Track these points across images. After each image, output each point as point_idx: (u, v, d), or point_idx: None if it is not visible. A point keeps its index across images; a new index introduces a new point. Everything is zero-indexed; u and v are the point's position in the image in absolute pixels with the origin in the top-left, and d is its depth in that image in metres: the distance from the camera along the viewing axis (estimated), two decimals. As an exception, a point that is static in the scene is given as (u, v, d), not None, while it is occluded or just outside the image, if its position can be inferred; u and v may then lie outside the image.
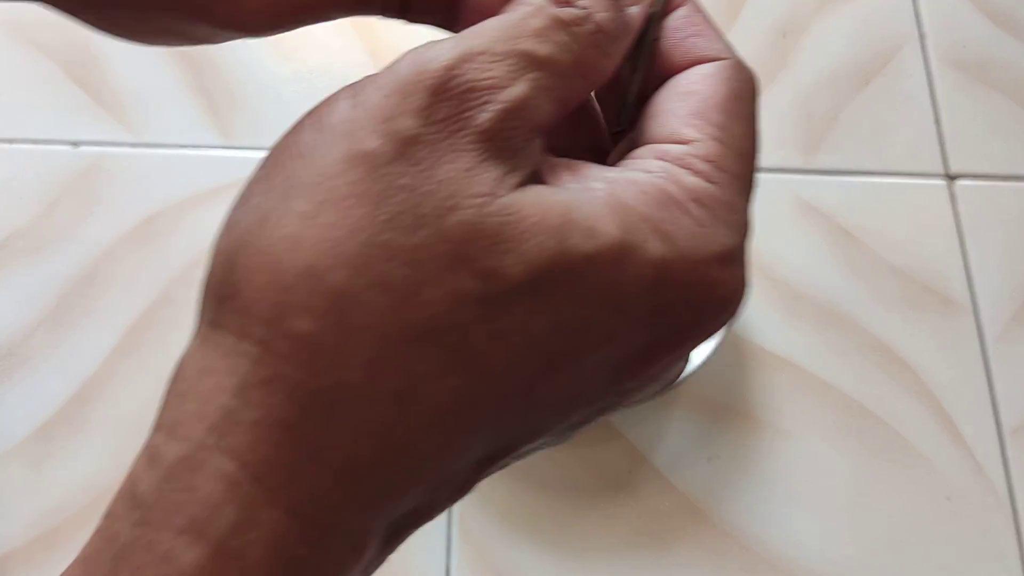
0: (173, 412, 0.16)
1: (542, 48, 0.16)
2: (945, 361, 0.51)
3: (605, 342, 0.16)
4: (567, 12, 0.17)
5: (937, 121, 0.59)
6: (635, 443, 0.48)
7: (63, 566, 0.47)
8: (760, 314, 0.52)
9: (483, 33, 0.16)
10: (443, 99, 0.15)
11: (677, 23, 0.19)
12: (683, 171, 0.17)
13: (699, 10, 0.19)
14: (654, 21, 0.19)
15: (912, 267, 0.54)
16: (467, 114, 0.15)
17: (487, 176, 0.15)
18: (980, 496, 0.48)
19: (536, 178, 0.16)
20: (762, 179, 0.56)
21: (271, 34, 0.22)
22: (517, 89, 0.16)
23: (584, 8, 0.17)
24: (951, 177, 0.57)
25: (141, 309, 0.50)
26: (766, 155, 0.57)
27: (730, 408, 0.49)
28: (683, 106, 0.18)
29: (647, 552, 0.45)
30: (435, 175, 0.15)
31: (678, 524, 0.46)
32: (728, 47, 0.19)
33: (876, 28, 0.62)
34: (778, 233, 0.54)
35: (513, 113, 0.16)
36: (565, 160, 0.17)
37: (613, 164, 0.18)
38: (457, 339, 0.15)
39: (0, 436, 0.46)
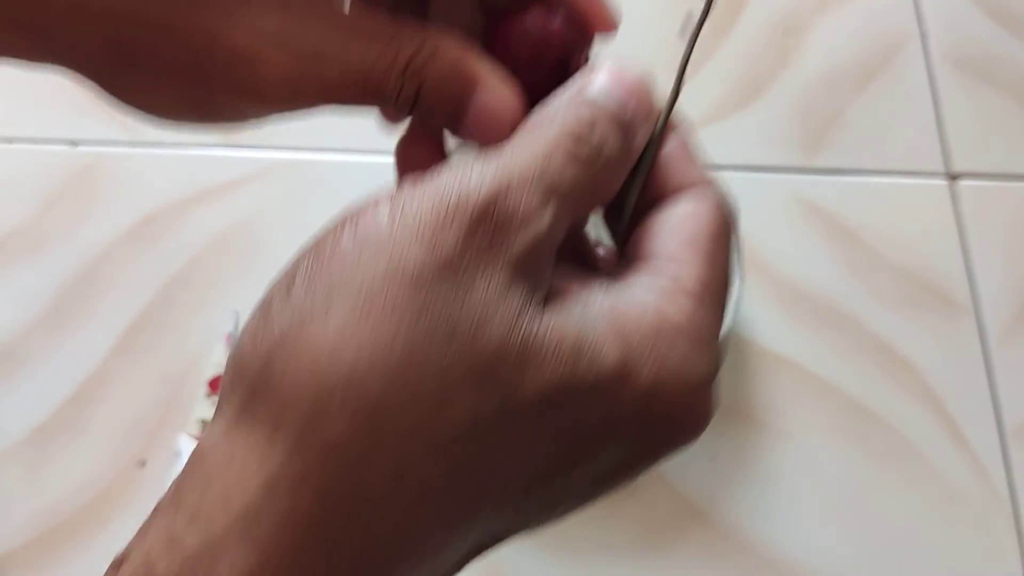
0: (194, 496, 0.16)
1: (565, 181, 0.18)
2: (946, 361, 0.51)
3: (593, 458, 0.18)
4: (583, 150, 0.19)
5: (939, 120, 0.59)
6: (635, 444, 0.48)
7: (61, 567, 0.47)
8: (761, 314, 0.52)
9: (516, 163, 0.18)
10: (482, 226, 0.17)
11: (672, 147, 0.22)
12: (675, 296, 0.19)
13: (691, 139, 0.22)
14: (653, 144, 0.22)
15: (913, 267, 0.54)
16: (502, 241, 0.17)
17: (515, 300, 0.17)
18: (981, 497, 0.47)
19: (551, 291, 0.18)
20: (763, 178, 0.56)
21: (289, 110, 0.22)
22: (545, 220, 0.18)
23: (598, 144, 0.19)
24: (953, 177, 0.57)
25: (139, 309, 0.50)
26: (767, 154, 0.57)
27: (730, 408, 0.49)
28: (678, 231, 0.20)
29: (648, 552, 0.45)
30: (470, 296, 0.16)
31: (678, 524, 0.46)
32: (714, 179, 0.21)
33: (878, 27, 0.62)
34: (779, 233, 0.54)
35: (540, 241, 0.18)
36: (574, 271, 0.20)
37: (613, 270, 0.20)
38: (474, 450, 0.16)
39: (-2, 436, 0.46)
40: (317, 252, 0.18)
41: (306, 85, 0.21)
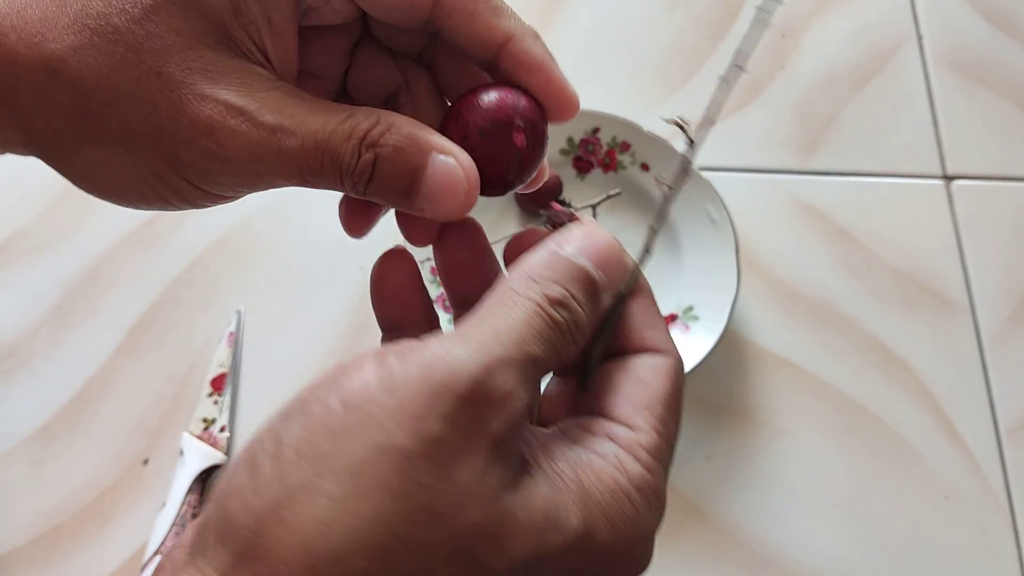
0: None
1: (541, 351, 0.20)
2: (942, 360, 0.51)
3: None
4: (561, 318, 0.20)
5: (935, 122, 0.59)
6: (634, 442, 0.48)
7: (65, 564, 0.47)
8: (758, 314, 0.52)
9: (498, 341, 0.19)
10: (467, 407, 0.18)
11: (636, 309, 0.23)
12: (630, 458, 0.21)
13: (653, 301, 0.24)
14: (619, 305, 0.23)
15: (910, 267, 0.54)
16: (483, 425, 0.18)
17: (491, 481, 0.18)
18: (977, 494, 0.48)
19: (521, 459, 0.20)
20: (760, 179, 0.57)
21: (250, 182, 0.23)
22: (522, 398, 0.19)
23: (574, 313, 0.21)
24: (948, 178, 0.57)
25: (143, 309, 0.50)
26: (764, 155, 0.57)
27: (728, 407, 0.49)
28: (635, 393, 0.22)
29: (646, 550, 0.45)
30: (452, 476, 0.17)
31: (677, 522, 0.46)
32: (671, 341, 0.23)
33: (874, 29, 0.62)
34: (776, 233, 0.55)
35: (516, 419, 0.19)
36: (539, 437, 0.21)
37: (575, 419, 0.22)
38: None
39: (2, 436, 0.46)
40: (306, 413, 0.18)
41: (266, 153, 0.22)
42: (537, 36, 0.25)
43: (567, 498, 0.19)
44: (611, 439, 0.21)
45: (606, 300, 0.22)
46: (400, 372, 0.18)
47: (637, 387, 0.22)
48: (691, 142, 0.24)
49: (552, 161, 0.53)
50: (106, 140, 0.22)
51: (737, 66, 0.25)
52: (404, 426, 0.17)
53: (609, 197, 0.52)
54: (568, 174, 0.53)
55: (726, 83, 0.25)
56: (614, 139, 0.52)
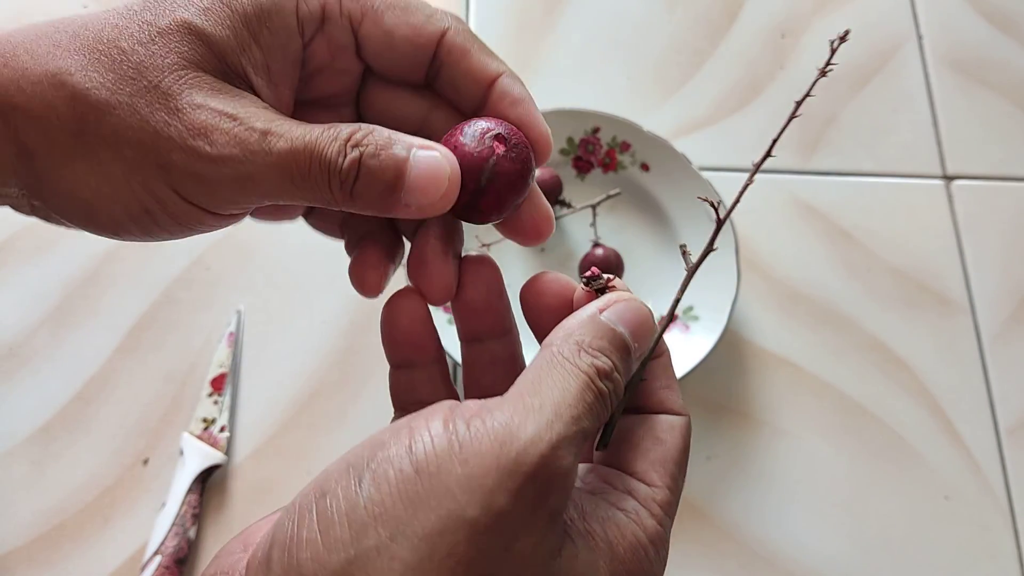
0: None
1: (590, 424, 0.21)
2: (942, 360, 0.51)
3: None
4: (607, 389, 0.22)
5: (935, 122, 0.59)
6: (634, 442, 0.48)
7: (66, 563, 0.47)
8: (758, 314, 0.52)
9: (561, 416, 0.20)
10: (533, 484, 0.19)
11: (657, 371, 0.25)
12: (646, 513, 0.23)
13: (671, 362, 0.26)
14: (643, 366, 0.25)
15: (909, 267, 0.54)
16: (546, 497, 0.20)
17: (545, 548, 0.20)
18: (977, 494, 0.48)
19: (564, 523, 0.21)
20: (760, 179, 0.57)
21: (240, 190, 0.24)
22: (575, 471, 0.21)
23: (615, 383, 0.22)
24: (948, 178, 0.57)
25: (143, 309, 0.50)
26: (764, 156, 0.57)
27: (728, 407, 0.49)
28: (653, 451, 0.24)
29: (646, 550, 0.45)
30: (514, 547, 0.19)
31: (676, 522, 0.46)
32: (683, 402, 0.26)
33: (874, 29, 0.62)
34: (776, 233, 0.55)
35: (569, 490, 0.20)
36: (573, 496, 0.23)
37: (594, 470, 0.25)
38: None
39: (2, 435, 0.46)
40: (379, 474, 0.20)
41: (256, 154, 0.23)
42: (518, 78, 0.27)
43: (599, 559, 0.21)
44: (631, 494, 0.23)
45: (635, 366, 0.24)
46: (469, 442, 0.20)
47: (655, 445, 0.25)
48: (718, 222, 0.26)
49: (552, 161, 0.53)
50: (99, 148, 0.23)
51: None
52: (476, 499, 0.19)
53: (609, 197, 0.52)
54: (568, 174, 0.53)
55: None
56: (614, 139, 0.52)
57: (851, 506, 0.47)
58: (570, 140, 0.53)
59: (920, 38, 0.62)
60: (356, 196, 0.23)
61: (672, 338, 0.48)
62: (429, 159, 0.23)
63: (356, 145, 0.23)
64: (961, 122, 0.59)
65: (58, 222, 0.26)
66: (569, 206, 0.52)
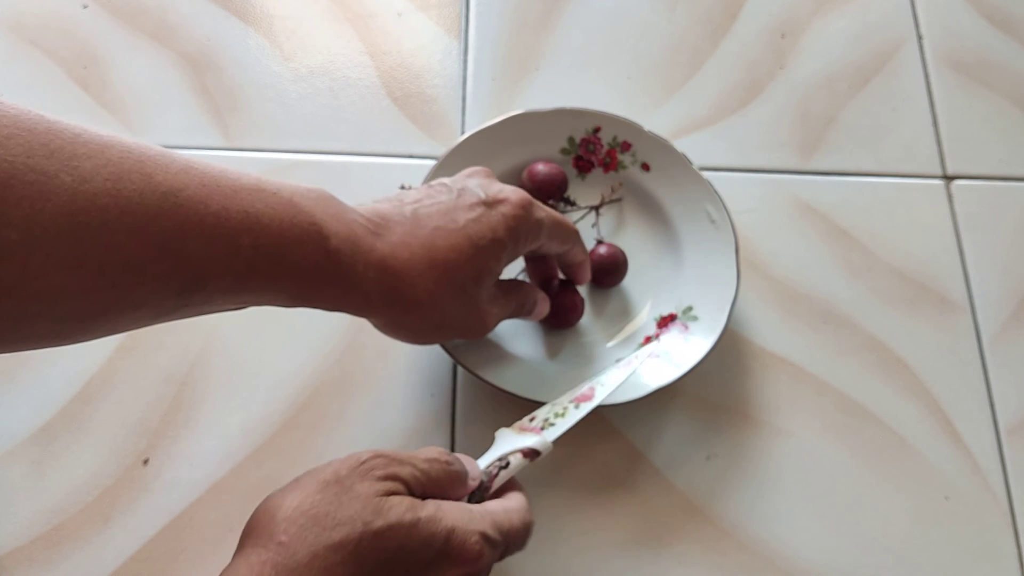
0: None
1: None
2: (942, 360, 0.51)
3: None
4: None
5: (935, 122, 0.59)
6: (634, 442, 0.48)
7: (66, 563, 0.47)
8: (758, 314, 0.52)
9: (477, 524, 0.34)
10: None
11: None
12: (478, 524, 0.34)
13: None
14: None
15: (909, 267, 0.54)
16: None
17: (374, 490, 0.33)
18: (977, 494, 0.48)
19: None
20: (761, 179, 0.57)
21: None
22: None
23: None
24: (948, 178, 0.57)
25: (142, 309, 0.50)
26: (765, 155, 0.57)
27: (728, 407, 0.49)
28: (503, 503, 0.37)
29: (645, 549, 0.45)
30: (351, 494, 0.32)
31: (676, 522, 0.46)
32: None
33: (874, 29, 0.62)
34: (776, 233, 0.55)
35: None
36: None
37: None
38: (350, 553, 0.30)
39: (2, 435, 0.46)
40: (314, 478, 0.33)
41: (497, 322, 0.44)
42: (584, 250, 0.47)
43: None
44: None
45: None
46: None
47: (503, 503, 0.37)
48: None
49: (553, 160, 0.53)
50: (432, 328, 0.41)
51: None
52: (327, 473, 0.33)
53: (611, 202, 0.52)
54: (569, 173, 0.53)
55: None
56: (615, 139, 0.52)
57: (851, 506, 0.47)
58: (571, 139, 0.53)
59: (920, 38, 0.62)
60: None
61: (671, 338, 0.48)
62: (542, 301, 0.46)
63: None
64: (961, 122, 0.59)
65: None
66: (573, 204, 0.52)
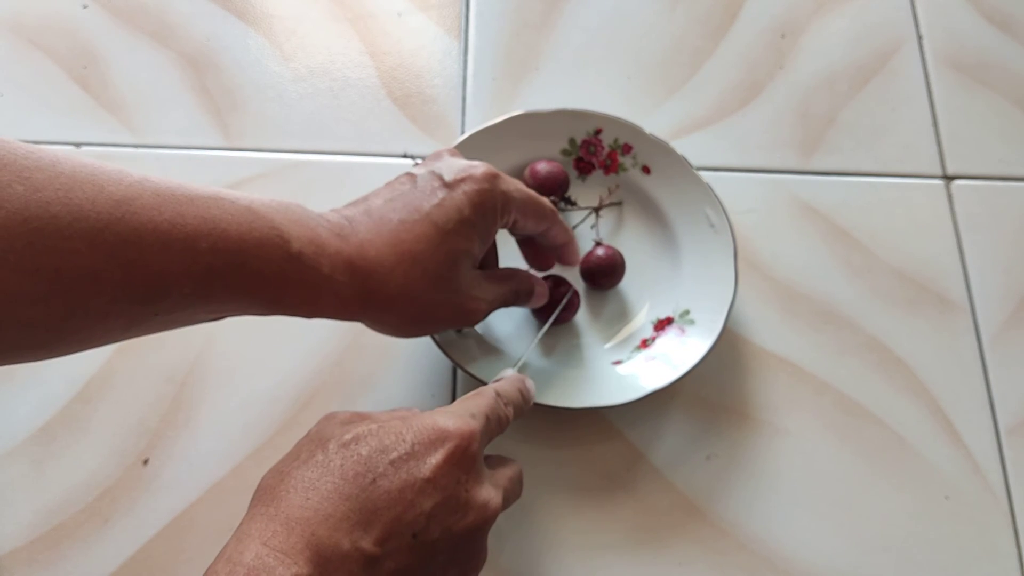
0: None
1: (493, 424, 0.37)
2: (942, 360, 0.51)
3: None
4: (503, 413, 0.38)
5: (935, 122, 0.59)
6: (634, 442, 0.48)
7: (66, 564, 0.47)
8: (758, 313, 0.52)
9: (474, 415, 0.36)
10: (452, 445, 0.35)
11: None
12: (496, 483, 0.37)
13: None
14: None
15: (909, 267, 0.54)
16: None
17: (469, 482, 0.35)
18: (977, 494, 0.48)
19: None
20: (761, 179, 0.57)
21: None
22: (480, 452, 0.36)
23: (507, 412, 0.38)
24: (948, 178, 0.57)
25: (143, 309, 0.50)
26: (765, 155, 0.57)
27: (728, 407, 0.49)
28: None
29: (645, 549, 0.45)
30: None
31: (676, 522, 0.46)
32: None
33: (874, 29, 0.62)
34: (776, 233, 0.55)
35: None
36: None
37: None
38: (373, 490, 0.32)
39: (2, 435, 0.46)
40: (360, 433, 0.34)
41: (482, 315, 0.43)
42: (570, 233, 0.46)
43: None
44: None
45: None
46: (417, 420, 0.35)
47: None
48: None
49: (553, 160, 0.53)
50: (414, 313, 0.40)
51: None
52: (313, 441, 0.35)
53: (611, 204, 0.52)
54: (569, 175, 0.53)
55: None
56: (616, 141, 0.52)
57: (851, 506, 0.47)
58: (572, 141, 0.53)
59: (920, 38, 0.62)
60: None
61: (669, 339, 0.48)
62: (540, 289, 0.46)
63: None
64: (961, 122, 0.59)
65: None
66: (574, 204, 0.52)
